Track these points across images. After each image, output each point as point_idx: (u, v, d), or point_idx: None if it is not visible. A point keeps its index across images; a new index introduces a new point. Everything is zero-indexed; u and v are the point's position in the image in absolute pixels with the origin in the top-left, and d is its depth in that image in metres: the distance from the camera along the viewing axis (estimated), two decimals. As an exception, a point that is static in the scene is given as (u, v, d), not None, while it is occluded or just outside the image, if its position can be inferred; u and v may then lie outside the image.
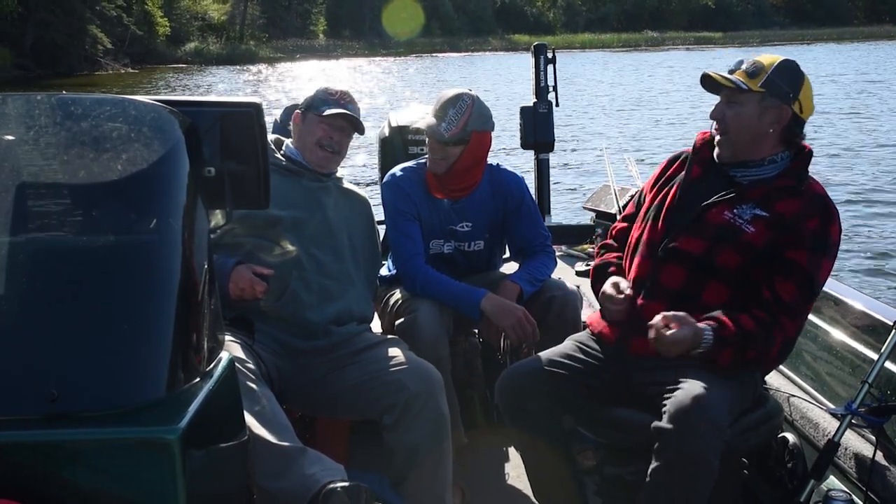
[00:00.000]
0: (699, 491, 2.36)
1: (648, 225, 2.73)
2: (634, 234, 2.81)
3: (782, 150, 2.62)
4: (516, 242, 3.56)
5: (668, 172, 2.83)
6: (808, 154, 2.63)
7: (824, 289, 3.14)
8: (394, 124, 4.26)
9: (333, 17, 69.64)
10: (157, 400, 1.41)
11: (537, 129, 4.93)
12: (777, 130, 2.59)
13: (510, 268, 3.50)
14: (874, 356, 2.68)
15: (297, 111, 3.05)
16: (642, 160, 13.31)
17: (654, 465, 2.40)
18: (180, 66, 50.66)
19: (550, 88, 5.00)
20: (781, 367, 3.12)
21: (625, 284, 2.70)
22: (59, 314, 1.44)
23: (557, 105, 5.02)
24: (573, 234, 5.19)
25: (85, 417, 1.36)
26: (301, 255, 2.86)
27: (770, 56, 2.63)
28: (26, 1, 39.48)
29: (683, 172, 2.75)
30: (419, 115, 4.26)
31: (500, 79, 35.05)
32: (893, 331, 2.59)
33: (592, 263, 2.97)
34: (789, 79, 2.57)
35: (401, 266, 3.29)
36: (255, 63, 52.23)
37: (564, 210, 10.16)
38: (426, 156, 3.37)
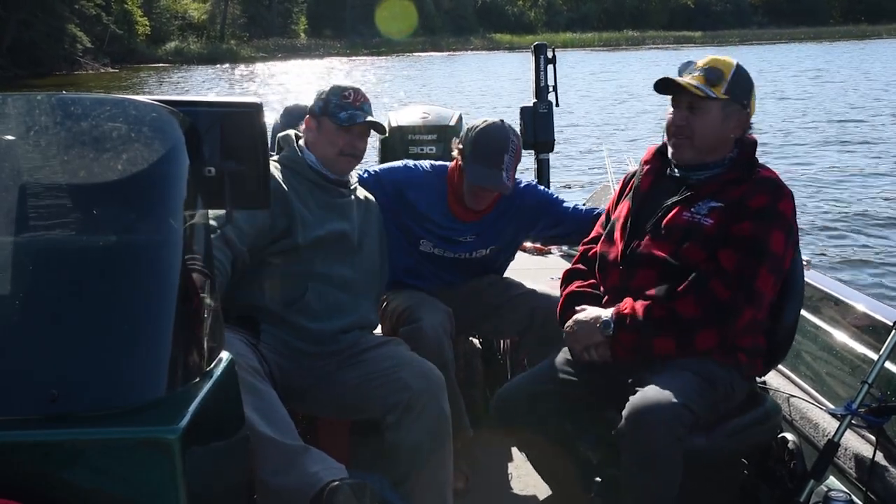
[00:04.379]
0: (664, 490, 2.34)
1: (611, 240, 2.76)
2: (600, 250, 2.81)
3: (735, 148, 2.67)
4: (570, 221, 3.51)
5: (626, 191, 2.87)
6: (752, 144, 2.69)
7: (824, 289, 3.15)
8: (393, 124, 4.23)
9: (314, 16, 69.53)
10: (157, 400, 1.41)
11: (537, 129, 4.88)
12: (738, 134, 2.65)
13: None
14: (874, 356, 2.68)
15: (308, 116, 2.92)
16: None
17: (623, 466, 2.40)
18: (161, 65, 50.43)
19: (550, 88, 4.96)
20: (781, 366, 3.11)
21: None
22: (59, 314, 1.43)
23: (557, 105, 4.99)
24: None
25: (85, 417, 1.35)
26: (324, 270, 2.83)
27: (723, 60, 2.65)
28: (5, 2, 39.01)
29: (633, 187, 2.80)
30: (418, 115, 4.26)
31: (489, 78, 35.14)
32: (893, 331, 2.59)
33: (563, 290, 2.91)
34: (745, 84, 2.64)
35: None
36: (237, 62, 52.04)
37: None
38: (444, 163, 3.42)
